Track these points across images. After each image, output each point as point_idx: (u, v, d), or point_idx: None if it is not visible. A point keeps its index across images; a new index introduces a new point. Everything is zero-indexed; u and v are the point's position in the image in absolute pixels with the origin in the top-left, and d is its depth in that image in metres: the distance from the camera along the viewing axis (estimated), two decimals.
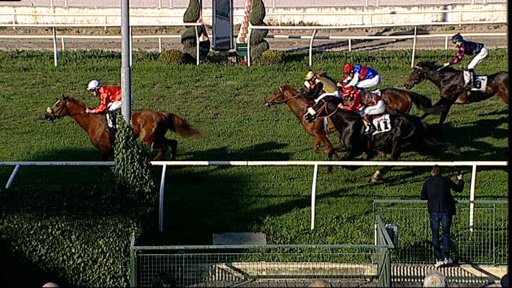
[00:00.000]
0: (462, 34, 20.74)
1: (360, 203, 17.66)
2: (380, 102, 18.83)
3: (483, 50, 21.16)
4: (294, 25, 32.00)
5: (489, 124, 21.78)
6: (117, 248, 14.67)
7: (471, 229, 16.46)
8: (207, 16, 28.21)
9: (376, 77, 20.57)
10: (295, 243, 16.14)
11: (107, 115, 18.72)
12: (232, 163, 17.98)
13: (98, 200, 15.50)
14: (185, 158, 19.46)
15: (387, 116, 18.59)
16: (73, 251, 14.70)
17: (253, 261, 15.48)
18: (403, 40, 29.79)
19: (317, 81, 20.09)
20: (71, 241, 14.71)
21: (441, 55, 27.80)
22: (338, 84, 20.13)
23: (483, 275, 15.54)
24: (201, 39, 27.16)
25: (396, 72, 26.07)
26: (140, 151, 15.82)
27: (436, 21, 32.07)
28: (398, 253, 15.64)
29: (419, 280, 15.28)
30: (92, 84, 19.19)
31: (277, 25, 31.63)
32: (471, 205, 16.58)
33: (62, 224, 14.74)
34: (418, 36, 27.96)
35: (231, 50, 27.57)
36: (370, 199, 17.42)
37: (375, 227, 15.72)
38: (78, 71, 26.32)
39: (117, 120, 18.09)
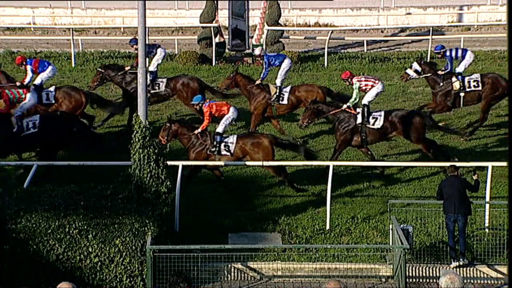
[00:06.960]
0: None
1: (376, 203, 17.69)
2: (28, 95, 18.88)
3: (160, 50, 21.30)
4: (309, 26, 32.03)
5: (505, 124, 21.68)
6: (133, 247, 14.76)
7: (486, 230, 16.45)
8: (223, 17, 28.29)
9: (50, 67, 20.54)
10: (310, 243, 16.18)
11: None
12: (248, 163, 18.04)
13: (114, 199, 15.57)
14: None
15: (37, 117, 18.53)
16: (90, 250, 14.80)
17: (268, 261, 15.53)
18: (419, 41, 29.76)
19: None
20: (88, 240, 14.81)
21: None
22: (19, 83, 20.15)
23: (499, 275, 15.52)
24: (217, 40, 27.26)
25: None
26: (156, 151, 15.90)
27: (452, 22, 31.99)
28: (414, 253, 15.64)
29: (434, 280, 15.28)
30: None
31: (293, 26, 31.66)
32: (487, 205, 16.55)
33: (79, 224, 14.85)
34: (433, 37, 27.93)
35: (247, 51, 27.64)
36: (385, 199, 17.43)
37: (390, 227, 15.74)
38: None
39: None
